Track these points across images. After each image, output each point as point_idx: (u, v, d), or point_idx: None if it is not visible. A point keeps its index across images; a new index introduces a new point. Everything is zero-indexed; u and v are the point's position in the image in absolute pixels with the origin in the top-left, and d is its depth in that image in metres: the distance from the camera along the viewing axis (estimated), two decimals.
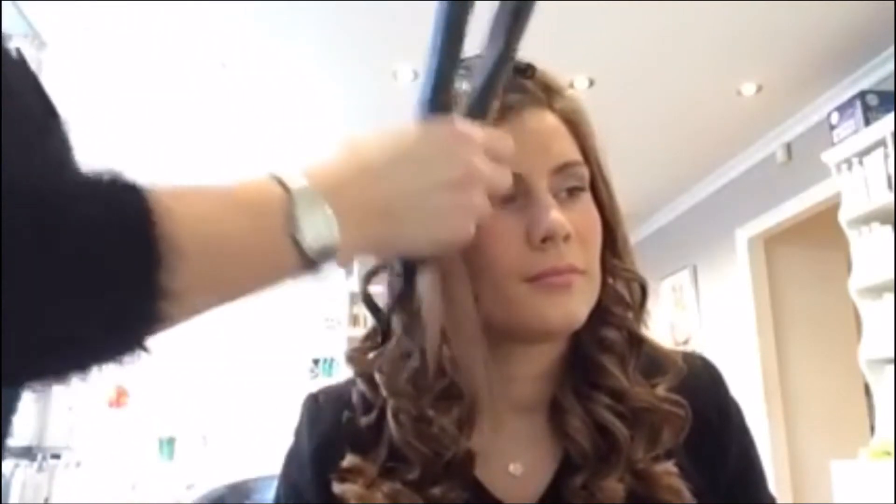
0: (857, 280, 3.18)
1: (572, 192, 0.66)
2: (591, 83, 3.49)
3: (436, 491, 0.62)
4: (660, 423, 0.65)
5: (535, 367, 0.68)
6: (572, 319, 0.64)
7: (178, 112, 3.74)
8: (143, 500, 5.74)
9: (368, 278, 0.70)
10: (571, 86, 3.41)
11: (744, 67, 3.46)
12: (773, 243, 4.41)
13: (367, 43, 3.10)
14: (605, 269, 0.68)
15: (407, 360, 0.66)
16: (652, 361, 0.68)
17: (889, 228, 3.04)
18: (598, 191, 0.69)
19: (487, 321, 0.64)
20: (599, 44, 3.22)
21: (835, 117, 3.40)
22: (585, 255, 0.65)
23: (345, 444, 0.66)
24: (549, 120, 0.67)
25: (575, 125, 0.68)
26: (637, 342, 0.68)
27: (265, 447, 2.41)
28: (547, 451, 0.67)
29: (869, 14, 3.00)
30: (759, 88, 3.62)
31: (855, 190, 3.20)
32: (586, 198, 0.67)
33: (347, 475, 0.64)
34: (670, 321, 5.19)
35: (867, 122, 3.18)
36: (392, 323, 0.68)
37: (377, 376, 0.66)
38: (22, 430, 3.38)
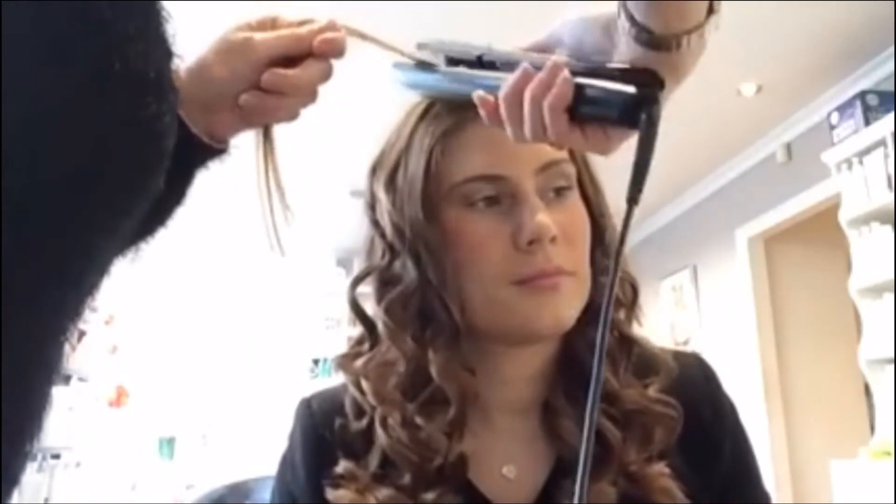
0: (857, 280, 3.18)
1: (559, 191, 0.66)
2: None
3: (429, 496, 0.62)
4: (651, 424, 0.65)
5: (526, 368, 0.68)
6: (561, 321, 0.63)
7: None
8: (143, 500, 5.74)
9: (356, 283, 0.70)
10: None
11: (744, 67, 3.45)
12: (773, 243, 4.41)
13: None
14: (595, 268, 0.67)
15: (393, 367, 0.66)
16: (644, 362, 0.68)
17: (889, 228, 3.03)
18: (585, 188, 0.69)
19: (476, 324, 0.64)
20: None
21: (835, 117, 3.40)
22: (573, 255, 0.64)
23: (337, 450, 0.66)
24: None
25: None
26: (628, 343, 0.68)
27: (265, 447, 2.41)
28: (540, 453, 0.67)
29: (869, 14, 3.00)
30: (759, 88, 3.62)
31: (855, 190, 3.20)
32: (574, 196, 0.67)
33: (341, 481, 0.64)
34: (670, 321, 5.19)
35: (867, 122, 3.18)
36: (379, 328, 0.68)
37: (363, 383, 0.66)
38: None
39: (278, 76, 0.60)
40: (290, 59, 0.61)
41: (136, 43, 0.39)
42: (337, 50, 0.61)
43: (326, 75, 0.62)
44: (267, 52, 0.60)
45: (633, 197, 0.50)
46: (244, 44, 0.60)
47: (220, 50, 0.61)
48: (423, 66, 0.63)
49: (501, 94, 0.54)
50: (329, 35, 0.61)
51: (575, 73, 0.52)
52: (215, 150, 0.64)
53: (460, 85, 0.61)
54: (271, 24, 0.63)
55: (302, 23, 0.63)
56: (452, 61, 0.62)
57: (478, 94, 0.56)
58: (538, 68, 0.53)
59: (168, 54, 0.44)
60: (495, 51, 0.59)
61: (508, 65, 0.57)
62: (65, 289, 0.41)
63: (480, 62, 0.60)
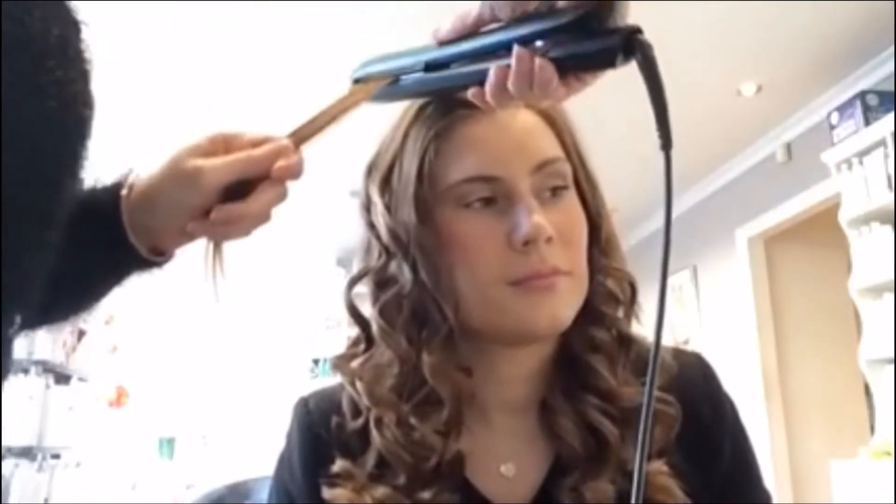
0: (857, 280, 3.18)
1: (556, 191, 0.65)
2: None
3: (425, 494, 0.61)
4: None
5: (523, 368, 0.68)
6: (557, 322, 0.63)
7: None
8: (143, 500, 5.75)
9: (352, 285, 0.70)
10: None
11: (744, 67, 3.45)
12: (773, 243, 4.41)
13: None
14: (593, 267, 0.67)
15: (388, 368, 0.66)
16: (643, 360, 0.67)
17: (889, 228, 3.03)
18: (582, 187, 0.68)
19: (471, 325, 0.64)
20: None
21: (835, 117, 3.40)
22: (569, 255, 0.64)
23: (334, 449, 0.66)
24: (526, 117, 0.66)
25: (553, 120, 0.67)
26: (626, 342, 0.68)
27: (265, 447, 2.41)
28: (539, 451, 0.67)
29: (869, 14, 3.00)
30: (759, 88, 3.62)
31: (855, 190, 3.20)
32: (570, 196, 0.66)
33: (337, 480, 0.64)
34: (670, 321, 5.19)
35: (867, 122, 3.18)
36: (374, 330, 0.68)
37: (358, 384, 0.66)
38: (22, 430, 3.38)
39: (227, 212, 0.58)
40: (244, 181, 0.58)
41: (32, 9, 0.39)
42: (294, 174, 0.59)
43: (281, 199, 0.60)
44: (218, 180, 0.58)
45: (667, 141, 0.50)
46: (194, 174, 0.57)
47: (169, 177, 0.59)
48: (392, 83, 0.64)
49: (488, 95, 0.57)
50: (284, 163, 0.58)
51: (533, 39, 0.54)
52: (153, 263, 0.62)
53: (431, 86, 0.62)
54: (224, 144, 0.60)
55: (257, 143, 0.59)
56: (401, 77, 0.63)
57: (471, 92, 0.59)
58: (497, 47, 0.55)
59: (75, 24, 0.43)
60: (438, 54, 0.60)
61: (463, 57, 0.59)
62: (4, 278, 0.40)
63: (429, 68, 0.60)
